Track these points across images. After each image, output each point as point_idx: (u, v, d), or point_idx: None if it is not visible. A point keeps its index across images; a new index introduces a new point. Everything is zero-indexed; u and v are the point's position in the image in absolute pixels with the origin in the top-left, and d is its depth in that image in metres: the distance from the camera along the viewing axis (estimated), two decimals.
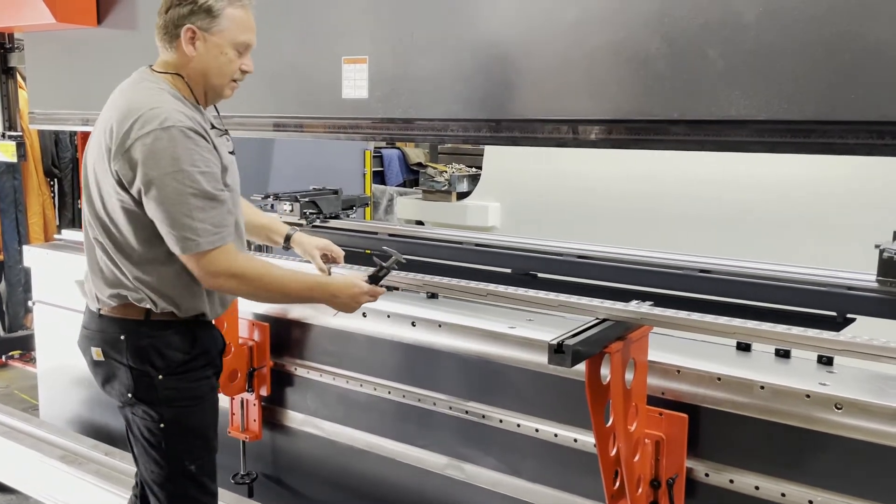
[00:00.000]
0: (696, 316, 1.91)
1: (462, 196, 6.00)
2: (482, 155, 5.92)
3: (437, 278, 2.36)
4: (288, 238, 2.49)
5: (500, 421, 2.40)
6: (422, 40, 2.49)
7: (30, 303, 3.91)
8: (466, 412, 2.47)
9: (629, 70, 2.13)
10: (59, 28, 3.44)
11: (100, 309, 2.11)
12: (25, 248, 3.81)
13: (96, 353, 2.10)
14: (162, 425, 2.06)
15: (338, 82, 2.69)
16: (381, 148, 8.81)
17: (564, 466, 2.30)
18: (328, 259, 2.48)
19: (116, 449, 3.30)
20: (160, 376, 2.05)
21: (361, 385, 2.72)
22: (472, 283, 2.25)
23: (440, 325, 2.48)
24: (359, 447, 2.76)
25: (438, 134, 2.51)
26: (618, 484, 2.05)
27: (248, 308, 2.93)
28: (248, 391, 2.92)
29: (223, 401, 3.00)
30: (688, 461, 2.06)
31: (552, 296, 2.04)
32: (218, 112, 2.24)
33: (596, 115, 2.19)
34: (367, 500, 2.78)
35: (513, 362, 2.34)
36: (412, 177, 8.82)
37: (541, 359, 2.26)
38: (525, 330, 2.33)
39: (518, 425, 2.36)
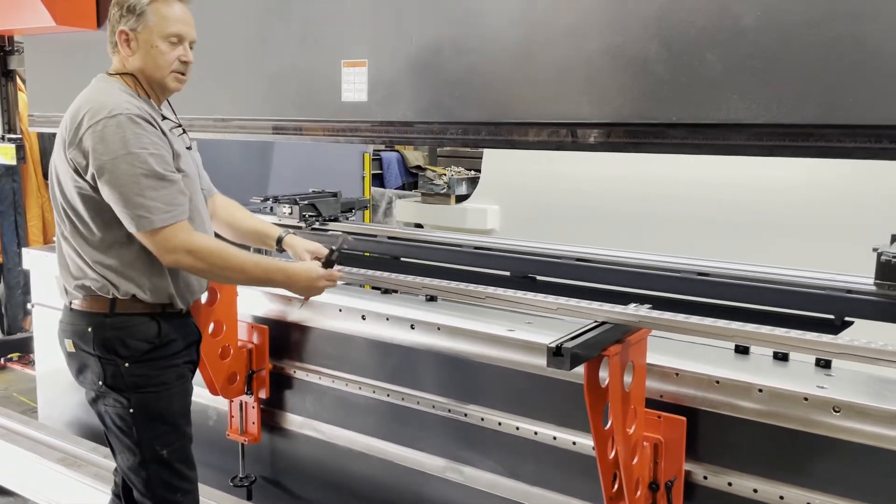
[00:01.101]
0: (695, 319, 1.91)
1: (461, 199, 6.00)
2: (481, 158, 5.92)
3: (436, 281, 2.37)
4: (280, 240, 2.51)
5: (500, 424, 2.40)
6: (421, 44, 2.49)
7: (29, 305, 3.91)
8: (465, 415, 2.47)
9: (628, 73, 2.14)
10: (58, 31, 3.44)
11: (70, 302, 2.21)
12: (24, 250, 3.81)
13: (69, 344, 2.21)
14: (131, 410, 2.15)
15: (337, 85, 2.70)
16: (379, 151, 8.82)
17: (563, 469, 2.30)
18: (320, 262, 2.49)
19: None
20: (126, 364, 2.14)
21: (360, 388, 2.72)
22: (472, 287, 2.25)
23: (439, 328, 2.48)
24: (357, 450, 2.76)
25: (437, 137, 2.51)
26: (616, 486, 2.05)
27: (247, 311, 2.93)
28: (247, 394, 2.92)
29: (222, 404, 3.02)
30: (686, 464, 2.07)
31: (551, 299, 2.04)
32: (173, 109, 2.36)
33: (595, 118, 2.19)
34: (365, 503, 2.78)
35: (512, 365, 2.34)
36: (411, 180, 8.82)
37: (540, 361, 2.26)
38: (524, 333, 2.34)
39: (517, 428, 2.37)
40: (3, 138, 4.18)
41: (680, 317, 1.90)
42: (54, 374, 3.85)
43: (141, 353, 2.15)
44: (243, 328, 2.92)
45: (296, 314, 2.85)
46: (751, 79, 1.97)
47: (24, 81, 4.52)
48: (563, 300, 2.01)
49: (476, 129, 2.44)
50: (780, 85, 1.93)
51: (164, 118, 2.22)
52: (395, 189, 8.53)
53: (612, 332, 1.89)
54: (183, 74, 2.21)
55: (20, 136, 4.25)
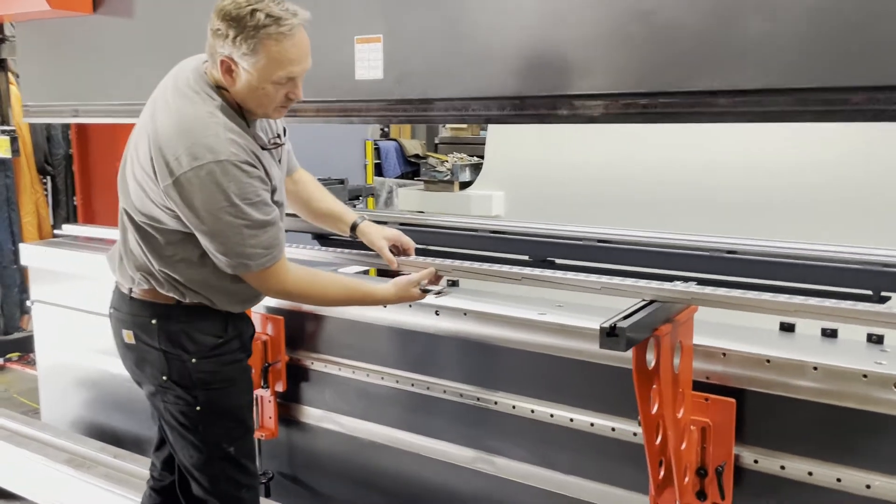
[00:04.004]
0: (751, 294, 1.81)
1: (464, 186, 5.89)
2: (483, 144, 5.82)
3: (466, 263, 2.26)
4: (354, 227, 2.38)
5: (532, 411, 2.30)
6: (439, 17, 2.38)
7: (28, 303, 3.77)
8: (496, 403, 2.37)
9: (660, 40, 2.03)
10: (52, 16, 3.31)
11: (131, 290, 2.09)
12: (21, 245, 3.68)
13: (127, 336, 2.10)
14: (198, 408, 2.05)
15: (350, 63, 2.58)
16: (377, 140, 8.69)
17: (602, 457, 2.20)
18: (398, 251, 2.38)
19: (125, 451, 3.18)
20: (193, 360, 2.04)
21: (383, 378, 2.61)
22: (506, 268, 2.14)
23: (465, 314, 2.38)
24: (381, 442, 2.65)
25: (459, 114, 2.40)
26: (663, 473, 1.96)
27: (262, 302, 2.81)
28: (263, 387, 2.81)
29: None
30: (735, 448, 1.97)
31: (593, 278, 1.94)
32: (268, 123, 2.14)
33: (627, 88, 2.08)
34: (390, 498, 2.68)
35: (545, 350, 2.24)
36: (410, 169, 8.69)
37: (575, 345, 2.17)
38: (556, 316, 2.23)
39: (552, 415, 2.27)
40: None
41: (734, 292, 1.80)
42: (57, 373, 3.72)
43: (209, 347, 2.06)
44: (257, 319, 2.80)
45: (308, 306, 2.73)
46: (792, 40, 1.86)
47: (16, 76, 4.39)
48: (606, 279, 1.90)
49: (500, 105, 2.33)
50: (822, 46, 1.83)
51: (262, 147, 2.00)
52: (395, 178, 8.41)
53: (661, 312, 1.79)
54: (286, 108, 2.00)
55: (14, 128, 4.12)
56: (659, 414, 1.89)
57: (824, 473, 1.87)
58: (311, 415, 2.83)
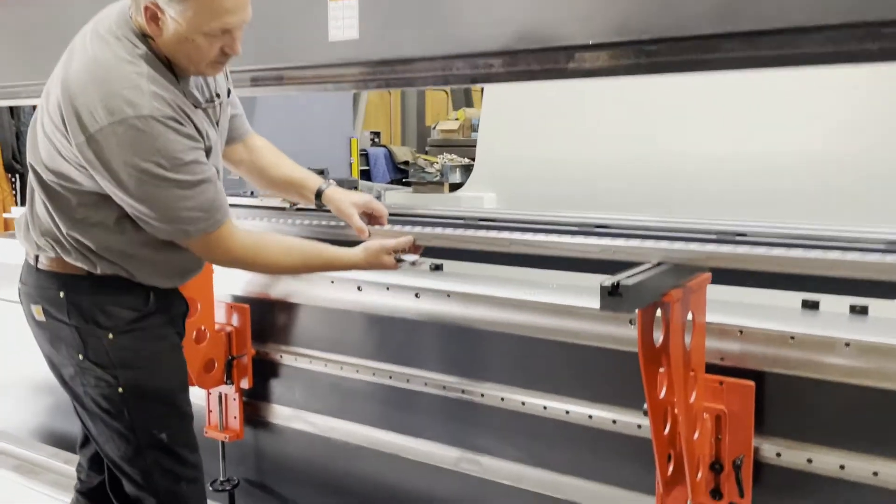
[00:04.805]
0: (777, 252, 1.57)
1: (455, 187, 5.69)
2: (474, 146, 5.65)
3: (448, 230, 2.02)
4: (319, 194, 2.13)
5: (523, 404, 2.05)
6: None
7: None
8: (482, 395, 2.12)
9: None
10: None
11: (38, 258, 1.85)
12: None
13: (37, 311, 1.87)
14: (120, 390, 1.82)
15: (324, 24, 2.35)
16: (367, 148, 8.49)
17: (602, 453, 1.95)
18: (369, 220, 2.13)
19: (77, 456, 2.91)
20: (109, 335, 1.81)
21: (358, 371, 2.35)
22: (493, 234, 1.89)
23: (448, 295, 2.13)
24: (356, 443, 2.39)
25: (442, 74, 2.17)
26: (673, 468, 1.71)
27: (225, 290, 2.57)
28: (227, 383, 2.55)
29: (199, 396, 2.64)
30: (755, 439, 1.72)
31: (592, 240, 1.69)
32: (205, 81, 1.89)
33: (631, 35, 1.85)
34: None
35: (536, 334, 1.99)
36: (399, 176, 8.47)
37: (572, 326, 1.93)
38: (547, 295, 1.99)
39: (545, 408, 2.01)
40: None
41: (758, 249, 1.56)
42: (8, 373, 3.45)
43: (126, 321, 1.83)
44: (221, 308, 2.55)
45: (279, 289, 2.49)
46: None
47: None
48: (607, 241, 1.65)
49: (487, 63, 2.10)
50: None
51: (195, 105, 1.79)
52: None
53: (671, 275, 1.54)
54: (222, 63, 1.79)
55: None
56: (668, 399, 1.64)
57: (859, 467, 1.62)
58: (280, 414, 2.56)
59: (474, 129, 6.68)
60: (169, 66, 1.74)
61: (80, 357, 1.82)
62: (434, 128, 7.50)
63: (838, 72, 3.15)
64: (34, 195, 1.85)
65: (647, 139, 4.40)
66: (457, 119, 7.08)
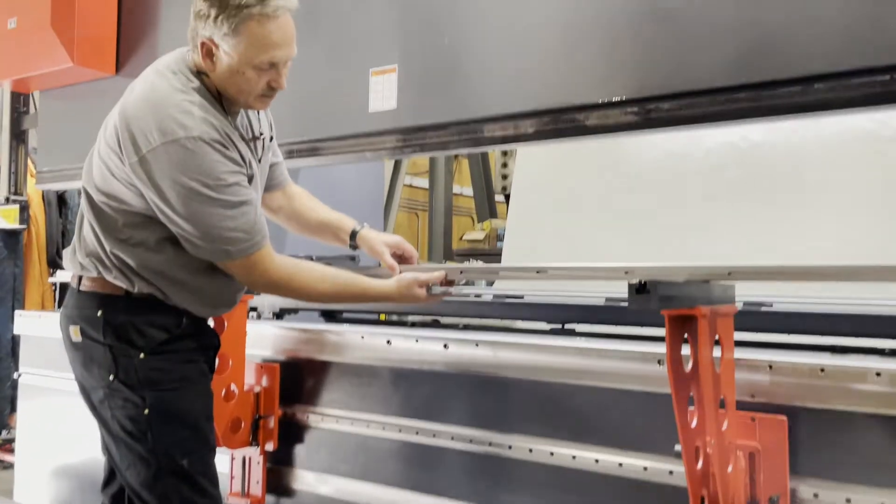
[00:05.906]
0: (794, 263, 1.60)
1: None
2: (499, 255, 5.71)
3: (477, 264, 2.07)
4: (354, 235, 2.21)
5: (551, 454, 2.02)
6: (451, 40, 2.34)
7: (15, 375, 3.57)
8: (510, 447, 2.09)
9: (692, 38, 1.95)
10: (75, 79, 3.36)
11: (80, 280, 1.93)
12: (17, 313, 3.53)
13: (74, 331, 1.91)
14: (146, 412, 1.83)
15: (365, 96, 2.53)
16: None
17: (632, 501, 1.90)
18: (402, 260, 2.18)
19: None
20: (141, 355, 1.85)
21: (384, 428, 2.34)
22: (520, 264, 1.95)
23: (477, 344, 2.16)
24: None
25: (474, 136, 2.31)
26: None
27: (255, 351, 2.60)
28: (251, 445, 2.54)
29: (222, 462, 2.62)
30: (790, 481, 1.68)
31: (619, 264, 1.73)
32: (248, 117, 2.01)
33: (666, 89, 1.97)
34: None
35: (565, 378, 2.00)
36: None
37: (605, 365, 1.94)
38: (584, 341, 2.01)
39: (573, 457, 1.98)
40: (7, 200, 4.01)
41: (779, 265, 1.59)
42: (35, 448, 3.44)
43: (158, 342, 1.88)
44: (250, 369, 2.58)
45: (310, 348, 2.52)
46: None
47: (34, 164, 4.43)
48: (630, 265, 1.69)
49: (516, 124, 2.23)
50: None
51: (242, 138, 1.91)
52: None
53: (698, 289, 1.57)
54: (269, 97, 1.92)
55: (25, 198, 4.09)
56: (700, 430, 1.63)
57: None
58: (304, 479, 2.52)
59: (500, 238, 6.81)
60: (219, 100, 1.88)
61: (111, 378, 1.85)
62: (461, 238, 7.68)
63: None
64: (83, 220, 1.96)
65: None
66: (482, 230, 7.24)
